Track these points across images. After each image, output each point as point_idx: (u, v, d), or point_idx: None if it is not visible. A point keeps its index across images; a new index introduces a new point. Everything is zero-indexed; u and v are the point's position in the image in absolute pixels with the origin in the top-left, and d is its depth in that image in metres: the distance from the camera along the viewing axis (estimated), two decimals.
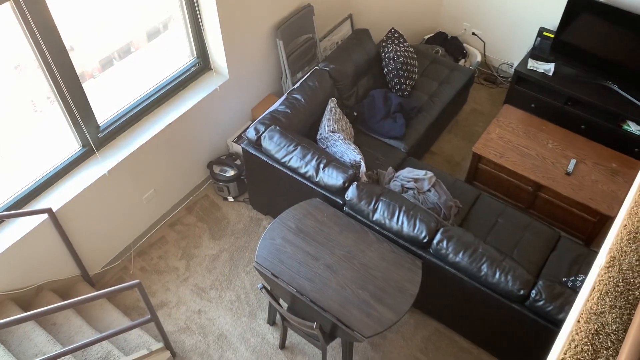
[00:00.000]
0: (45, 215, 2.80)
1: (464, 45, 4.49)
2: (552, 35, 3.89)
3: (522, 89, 3.99)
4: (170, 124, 3.24)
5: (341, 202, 2.95)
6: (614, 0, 3.59)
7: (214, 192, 3.80)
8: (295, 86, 3.45)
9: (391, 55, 3.73)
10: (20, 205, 2.82)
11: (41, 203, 2.86)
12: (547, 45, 3.95)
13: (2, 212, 2.73)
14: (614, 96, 3.75)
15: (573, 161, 3.46)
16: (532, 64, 3.94)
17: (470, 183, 3.76)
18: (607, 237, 1.29)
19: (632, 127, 3.69)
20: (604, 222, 3.33)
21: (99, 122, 3.02)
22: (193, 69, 3.47)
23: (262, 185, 3.39)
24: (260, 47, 3.62)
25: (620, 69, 3.68)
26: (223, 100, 3.55)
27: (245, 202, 3.74)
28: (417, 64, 3.86)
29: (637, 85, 3.67)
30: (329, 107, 3.42)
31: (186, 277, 3.38)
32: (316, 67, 3.58)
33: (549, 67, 3.91)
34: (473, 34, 4.47)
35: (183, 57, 3.43)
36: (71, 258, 3.08)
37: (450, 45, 4.45)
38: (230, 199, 3.75)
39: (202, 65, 3.49)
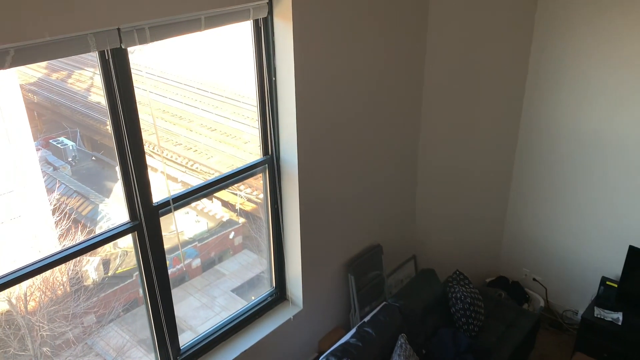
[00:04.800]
0: None
1: (526, 290, 4.60)
2: (615, 285, 3.99)
3: (591, 337, 3.94)
4: (244, 351, 3.32)
5: None
6: None
7: None
8: (366, 319, 3.56)
9: (458, 295, 3.86)
10: None
11: None
12: (611, 294, 4.02)
13: None
14: None
15: None
16: (599, 312, 3.96)
17: None
18: None
19: None
20: None
21: (180, 344, 3.14)
22: (270, 298, 3.67)
23: None
24: (333, 281, 3.84)
25: None
26: (295, 330, 3.65)
27: None
28: (483, 305, 3.95)
29: None
30: (399, 342, 3.45)
31: None
32: (386, 303, 3.72)
33: (617, 316, 3.91)
34: (534, 279, 4.61)
35: (260, 281, 3.67)
36: None
37: (512, 290, 4.57)
38: None
39: (278, 295, 3.70)
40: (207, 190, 3.01)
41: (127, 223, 2.70)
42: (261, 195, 3.51)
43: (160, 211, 2.78)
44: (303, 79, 2.99)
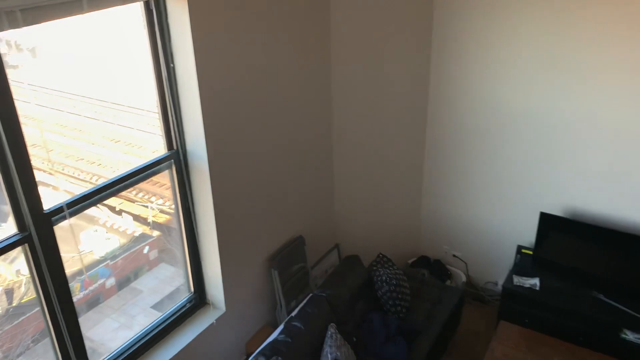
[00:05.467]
0: None
1: (447, 267, 4.67)
2: (531, 252, 4.13)
3: (513, 305, 4.05)
4: None
5: None
6: (579, 215, 3.94)
7: None
8: (293, 314, 3.42)
9: (383, 278, 3.82)
10: None
11: None
12: (528, 261, 4.16)
13: None
14: (604, 305, 3.83)
15: None
16: (518, 280, 4.08)
17: None
18: None
19: (631, 336, 3.69)
20: None
21: None
22: (189, 304, 3.44)
23: None
24: (256, 278, 3.67)
25: (602, 280, 3.85)
26: (219, 334, 3.45)
27: None
28: (408, 285, 3.94)
29: (622, 294, 3.80)
30: (329, 333, 3.35)
31: None
32: (312, 294, 3.60)
33: (534, 282, 4.05)
34: (454, 255, 4.69)
35: (180, 293, 3.44)
36: None
37: (434, 268, 4.62)
38: None
39: (198, 300, 3.48)
40: (107, 191, 2.74)
41: (14, 235, 2.39)
42: (174, 206, 3.29)
43: (53, 219, 2.48)
44: (205, 65, 2.80)
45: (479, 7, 3.79)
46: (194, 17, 2.66)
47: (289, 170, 3.75)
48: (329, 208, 4.38)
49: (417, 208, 4.72)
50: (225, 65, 2.95)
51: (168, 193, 3.27)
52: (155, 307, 4.78)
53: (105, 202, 2.86)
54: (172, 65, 2.81)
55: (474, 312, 4.50)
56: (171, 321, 3.30)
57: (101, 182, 2.73)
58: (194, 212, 3.25)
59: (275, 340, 3.20)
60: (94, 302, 4.16)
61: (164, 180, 3.29)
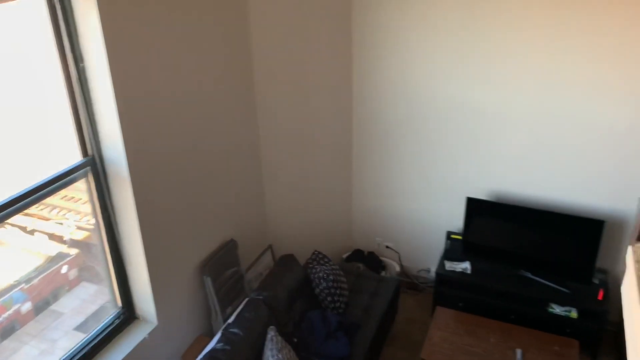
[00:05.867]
0: None
1: (381, 258, 4.69)
2: (460, 237, 4.23)
3: (447, 290, 4.13)
4: None
5: None
6: (502, 197, 4.08)
7: None
8: (230, 320, 3.29)
9: (320, 274, 3.77)
10: None
11: None
12: (458, 246, 4.26)
13: None
14: (531, 283, 3.99)
15: (519, 351, 3.47)
16: (449, 265, 4.17)
17: None
18: None
19: (557, 309, 3.86)
20: None
21: None
22: (117, 321, 3.22)
23: None
24: (188, 287, 3.50)
25: (527, 259, 4.00)
26: (153, 349, 3.25)
27: None
28: (345, 280, 3.92)
29: (547, 270, 3.97)
30: (269, 336, 3.24)
31: None
32: (249, 298, 3.48)
33: (465, 266, 4.15)
34: (387, 247, 4.73)
35: (106, 311, 3.21)
36: None
37: (368, 261, 4.63)
38: None
39: (127, 315, 3.26)
40: (10, 209, 2.47)
41: None
42: (93, 221, 3.05)
43: None
44: (119, 63, 2.61)
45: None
46: (103, 12, 2.46)
47: (216, 173, 3.60)
48: (259, 209, 4.27)
49: (348, 203, 4.71)
50: (141, 63, 2.77)
51: (85, 208, 3.04)
52: (79, 328, 4.45)
53: (14, 221, 2.60)
54: (82, 64, 2.60)
55: (409, 300, 4.56)
56: (99, 340, 3.07)
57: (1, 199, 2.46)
58: (115, 222, 3.04)
59: (213, 350, 3.06)
60: (8, 330, 3.83)
61: (80, 195, 3.05)
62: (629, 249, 1.48)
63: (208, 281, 3.57)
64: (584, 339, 3.72)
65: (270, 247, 4.40)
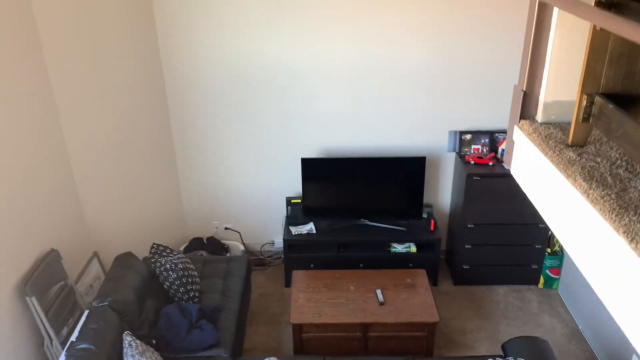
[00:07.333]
0: None
1: (222, 241, 4.46)
2: (300, 200, 4.22)
3: (297, 255, 4.10)
4: None
5: None
6: (333, 153, 4.17)
7: None
8: (73, 337, 2.77)
9: (167, 266, 3.41)
10: None
11: None
12: (299, 211, 4.24)
13: None
14: (370, 229, 4.17)
15: (379, 291, 3.59)
16: (295, 230, 4.13)
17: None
18: None
19: (398, 247, 4.10)
20: (432, 331, 3.45)
21: None
22: None
23: None
24: (8, 314, 2.85)
25: (363, 207, 4.17)
26: None
27: None
28: (194, 267, 3.61)
29: (383, 214, 4.19)
30: (126, 342, 2.82)
31: None
32: (90, 308, 2.98)
33: (310, 227, 4.16)
34: (226, 228, 4.51)
35: None
36: None
37: (210, 246, 4.36)
38: None
39: None
40: None
41: None
42: None
43: None
44: None
45: None
46: None
47: (16, 176, 2.98)
48: (77, 215, 3.69)
49: (176, 192, 4.36)
50: None
51: None
52: None
53: None
54: None
55: (259, 277, 4.42)
56: None
57: None
58: None
59: None
60: None
61: None
62: (515, 128, 1.55)
63: (33, 302, 2.96)
64: (425, 268, 4.02)
65: (95, 254, 3.85)
